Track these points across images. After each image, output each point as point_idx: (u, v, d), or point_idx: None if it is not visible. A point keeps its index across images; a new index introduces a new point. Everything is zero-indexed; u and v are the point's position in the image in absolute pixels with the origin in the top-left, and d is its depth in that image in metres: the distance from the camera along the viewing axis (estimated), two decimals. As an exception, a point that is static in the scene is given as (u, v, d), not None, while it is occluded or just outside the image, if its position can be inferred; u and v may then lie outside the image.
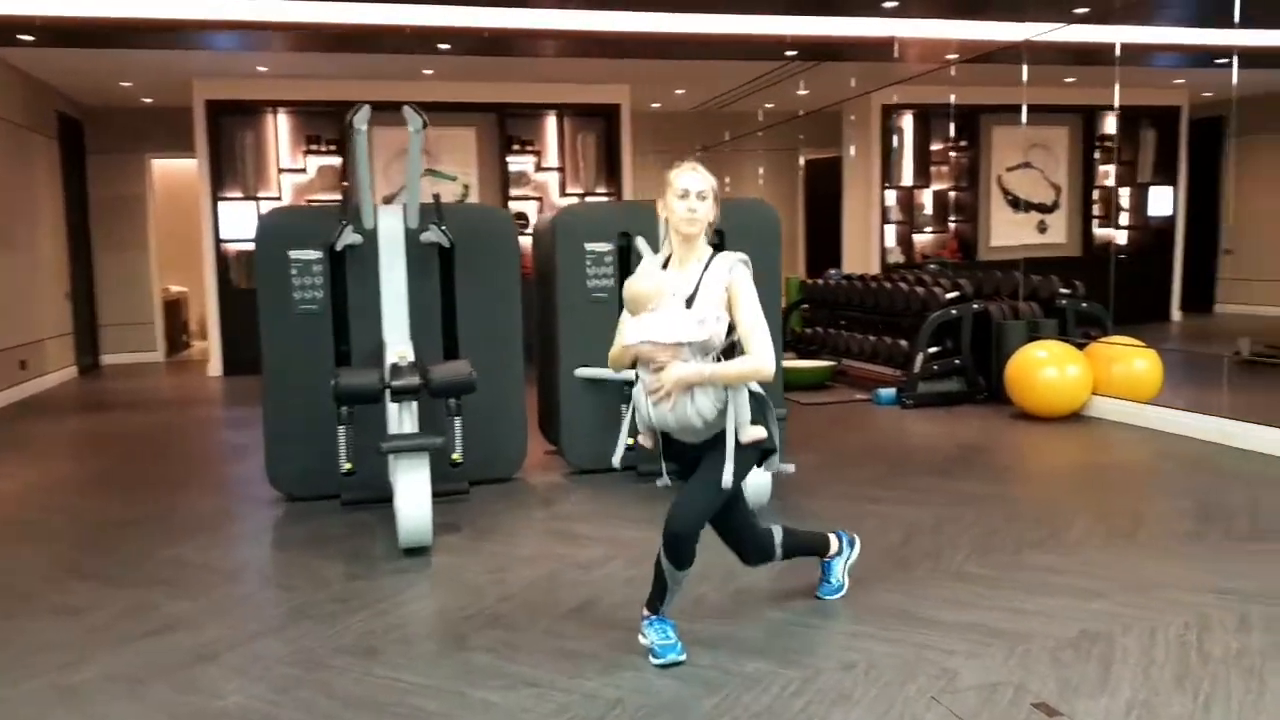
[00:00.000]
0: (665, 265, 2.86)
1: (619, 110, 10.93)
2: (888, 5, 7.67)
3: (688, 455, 2.85)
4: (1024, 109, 8.69)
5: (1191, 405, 5.94)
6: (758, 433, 2.75)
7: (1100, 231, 12.66)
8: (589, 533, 4.14)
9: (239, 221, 9.52)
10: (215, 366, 9.67)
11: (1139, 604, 3.11)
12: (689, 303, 2.73)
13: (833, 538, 3.27)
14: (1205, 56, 10.22)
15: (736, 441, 2.72)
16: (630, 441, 3.04)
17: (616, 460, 3.07)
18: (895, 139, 11.95)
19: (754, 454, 2.82)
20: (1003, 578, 3.40)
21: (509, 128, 10.45)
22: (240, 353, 9.16)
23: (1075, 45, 8.85)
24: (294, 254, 4.67)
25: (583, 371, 5.05)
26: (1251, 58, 9.72)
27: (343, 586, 3.54)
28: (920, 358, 6.81)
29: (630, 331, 2.75)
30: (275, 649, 2.97)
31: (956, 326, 6.91)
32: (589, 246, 5.05)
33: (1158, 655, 2.72)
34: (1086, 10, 7.69)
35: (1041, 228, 12.55)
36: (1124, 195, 12.83)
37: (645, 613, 2.90)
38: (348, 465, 4.65)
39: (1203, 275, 12.95)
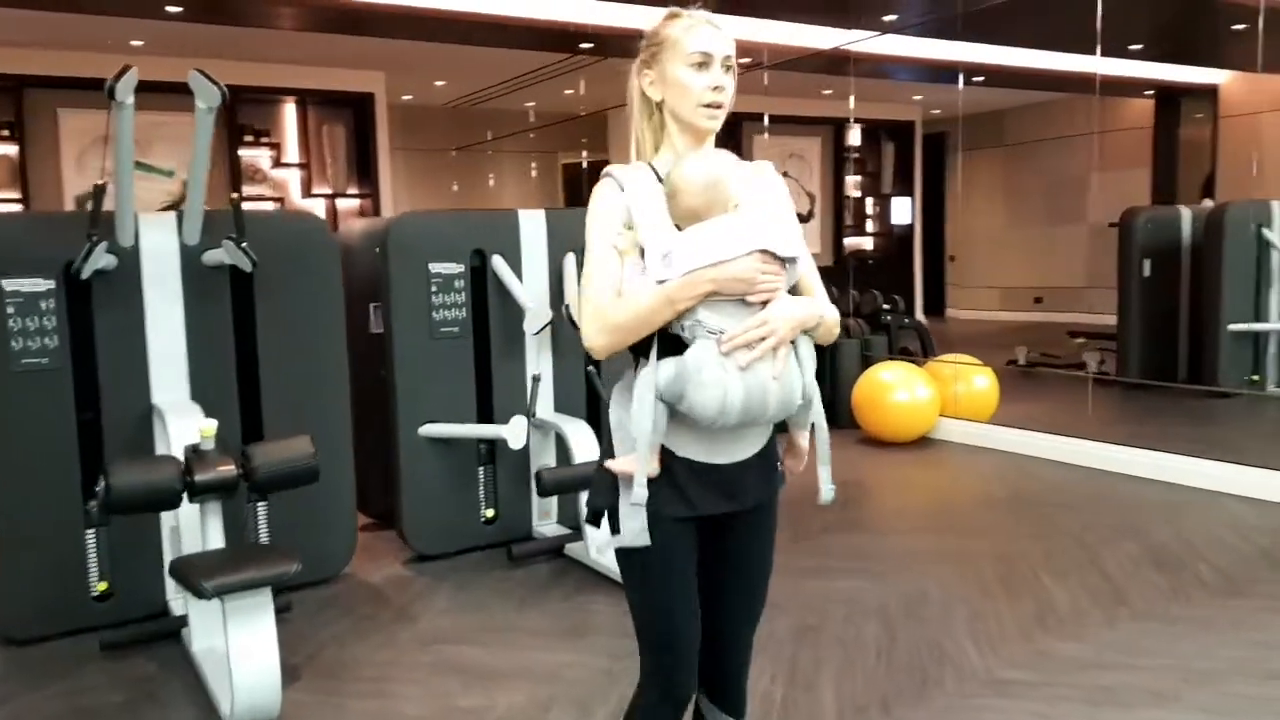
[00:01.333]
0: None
1: (373, 101, 9.56)
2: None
3: (691, 504, 1.65)
4: (851, 121, 8.50)
5: (1023, 421, 5.85)
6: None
7: (850, 240, 13.02)
8: (490, 662, 3.06)
9: None
10: None
11: (1222, 708, 2.61)
12: None
13: None
14: (939, 74, 10.60)
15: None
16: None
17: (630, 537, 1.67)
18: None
19: None
20: (1044, 682, 2.80)
21: (240, 115, 8.75)
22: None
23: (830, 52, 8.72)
24: (9, 284, 3.17)
25: (432, 429, 3.92)
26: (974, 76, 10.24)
27: (156, 817, 2.26)
28: (762, 383, 6.23)
29: (700, 249, 1.58)
30: None
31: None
32: (435, 268, 3.93)
33: (1326, 795, 2.20)
34: (894, 18, 7.55)
35: (799, 236, 12.68)
36: (869, 205, 13.27)
37: None
38: (101, 585, 3.31)
39: (937, 282, 13.74)
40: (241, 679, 2.50)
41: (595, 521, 1.74)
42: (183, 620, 3.23)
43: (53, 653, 3.18)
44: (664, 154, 1.72)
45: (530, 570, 3.89)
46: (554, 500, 4.21)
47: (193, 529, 2.98)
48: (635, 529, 1.64)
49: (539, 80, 10.42)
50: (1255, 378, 6.95)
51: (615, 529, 1.67)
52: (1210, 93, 9.57)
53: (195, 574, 2.48)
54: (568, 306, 4.03)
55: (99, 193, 3.06)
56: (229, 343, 3.54)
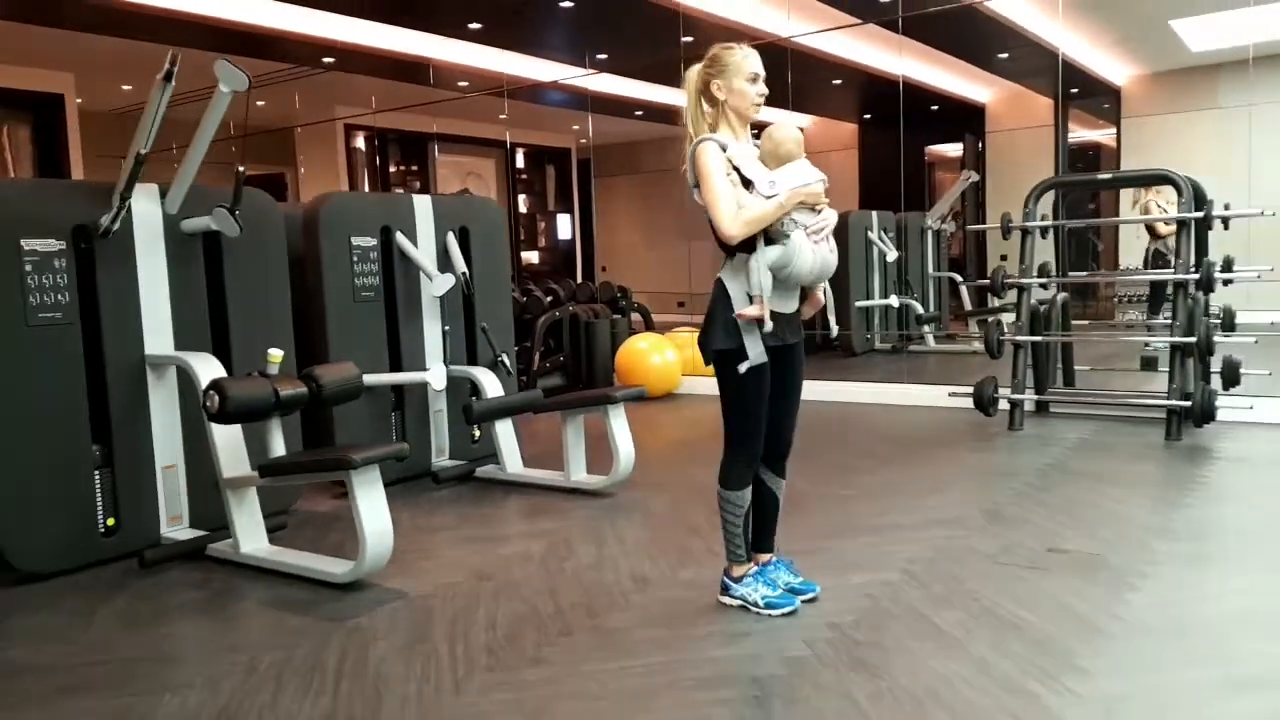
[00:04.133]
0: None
1: (62, 103, 9.14)
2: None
3: (779, 336, 2.81)
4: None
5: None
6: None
7: (525, 254, 14.38)
8: (487, 533, 3.91)
9: None
10: None
11: (978, 488, 4.29)
12: None
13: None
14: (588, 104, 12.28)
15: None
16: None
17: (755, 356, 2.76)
18: (356, 159, 12.07)
19: None
20: (877, 493, 4.31)
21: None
22: None
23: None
24: (28, 244, 3.42)
25: (371, 379, 4.56)
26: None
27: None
28: (538, 356, 7.34)
29: (792, 177, 2.72)
30: None
31: (559, 327, 7.60)
32: (356, 241, 4.60)
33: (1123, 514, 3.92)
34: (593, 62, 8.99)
35: (480, 249, 13.77)
36: (538, 221, 14.76)
37: (737, 571, 2.97)
38: (110, 521, 3.68)
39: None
40: (371, 532, 3.19)
41: (723, 361, 2.82)
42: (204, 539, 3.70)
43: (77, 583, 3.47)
44: (723, 130, 2.85)
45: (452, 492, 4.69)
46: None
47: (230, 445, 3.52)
48: (758, 352, 2.75)
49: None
50: (869, 337, 9.42)
51: (741, 356, 2.77)
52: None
53: (340, 456, 3.12)
54: (464, 274, 4.90)
55: (139, 162, 3.46)
56: (203, 299, 3.97)
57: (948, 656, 2.56)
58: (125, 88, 10.05)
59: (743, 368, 2.76)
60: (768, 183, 2.74)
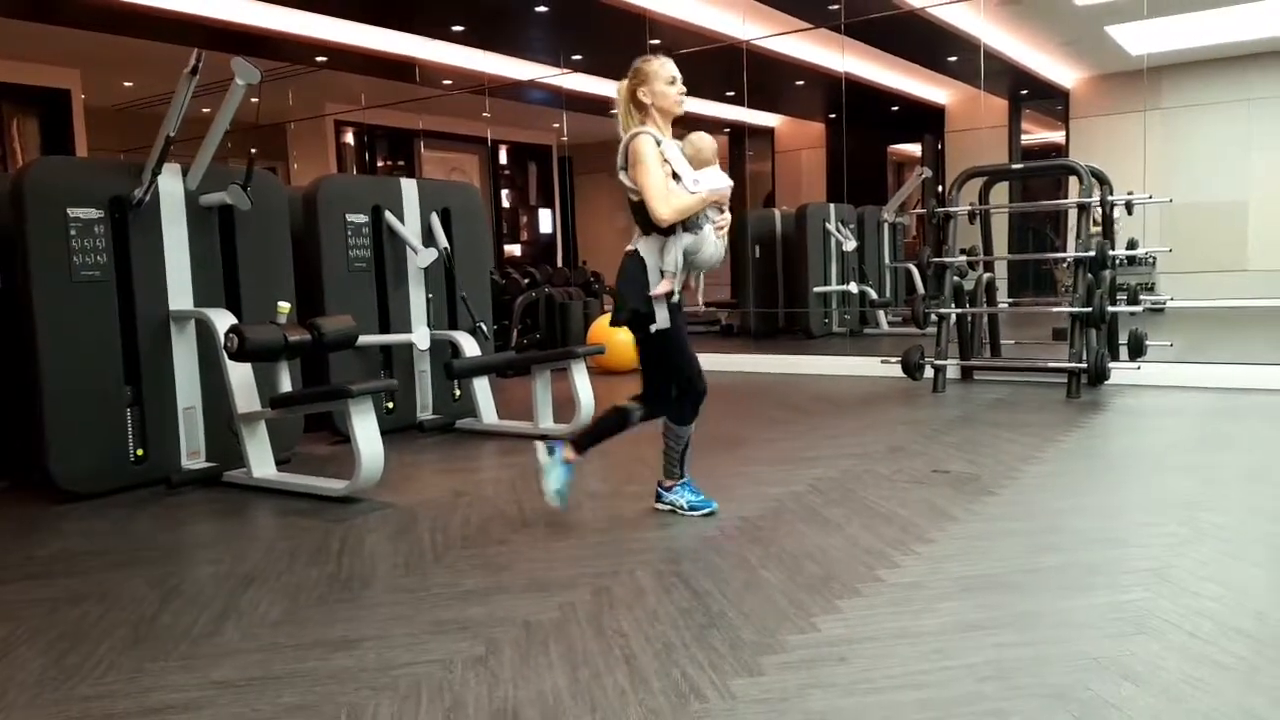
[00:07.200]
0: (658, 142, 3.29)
1: (69, 98, 9.71)
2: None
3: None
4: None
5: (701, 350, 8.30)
6: None
7: (507, 247, 14.99)
8: (461, 465, 4.53)
9: None
10: None
11: (881, 428, 4.95)
12: None
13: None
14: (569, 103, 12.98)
15: None
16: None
17: None
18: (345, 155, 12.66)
19: None
20: (799, 434, 4.96)
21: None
22: None
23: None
24: (74, 212, 4.04)
25: (363, 340, 5.18)
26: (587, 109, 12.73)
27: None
28: (516, 333, 7.98)
29: (712, 180, 3.27)
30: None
31: (535, 307, 8.24)
32: (350, 217, 5.23)
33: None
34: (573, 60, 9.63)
35: (463, 241, 14.35)
36: (520, 216, 15.36)
37: (669, 482, 3.62)
38: (139, 451, 4.29)
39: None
40: (365, 452, 3.82)
41: (636, 322, 3.39)
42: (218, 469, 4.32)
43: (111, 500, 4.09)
44: (649, 126, 3.30)
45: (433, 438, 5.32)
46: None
47: (244, 385, 4.15)
48: (664, 317, 3.32)
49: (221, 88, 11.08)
50: (827, 320, 10.10)
51: (652, 320, 3.33)
52: (769, 132, 12.96)
53: (339, 387, 3.75)
54: (446, 249, 5.53)
55: (168, 143, 4.07)
56: (218, 263, 4.59)
57: (827, 535, 3.22)
58: (127, 84, 10.63)
59: (653, 329, 3.33)
60: (693, 179, 3.26)
